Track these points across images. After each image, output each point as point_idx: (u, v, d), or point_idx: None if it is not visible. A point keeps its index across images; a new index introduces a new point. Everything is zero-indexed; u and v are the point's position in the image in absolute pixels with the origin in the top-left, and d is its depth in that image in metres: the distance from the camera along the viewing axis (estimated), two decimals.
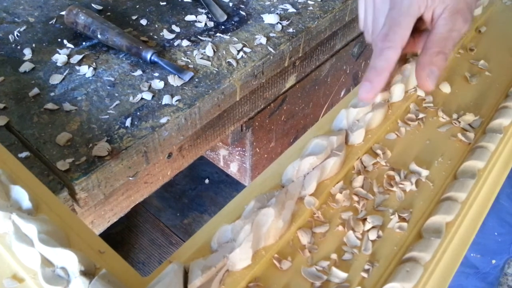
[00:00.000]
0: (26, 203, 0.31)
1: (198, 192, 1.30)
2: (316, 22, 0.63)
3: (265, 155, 0.80)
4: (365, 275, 0.30)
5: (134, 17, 0.62)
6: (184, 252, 0.30)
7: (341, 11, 0.67)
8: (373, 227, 0.33)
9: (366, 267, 0.31)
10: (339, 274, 0.30)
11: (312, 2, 0.66)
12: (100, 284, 0.25)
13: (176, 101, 0.50)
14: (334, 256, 0.31)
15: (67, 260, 0.27)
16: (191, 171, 1.34)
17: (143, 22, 0.61)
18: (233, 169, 0.83)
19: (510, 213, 0.83)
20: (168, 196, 1.29)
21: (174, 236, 1.21)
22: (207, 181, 1.33)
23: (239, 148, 0.77)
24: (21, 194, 0.31)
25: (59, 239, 0.29)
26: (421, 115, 0.42)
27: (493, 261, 0.94)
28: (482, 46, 0.52)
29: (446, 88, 0.45)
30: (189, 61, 0.55)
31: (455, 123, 0.42)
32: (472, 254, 0.94)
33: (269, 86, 0.65)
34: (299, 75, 0.72)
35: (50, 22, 0.60)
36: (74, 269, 0.27)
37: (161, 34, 0.59)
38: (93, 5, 0.63)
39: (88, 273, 0.27)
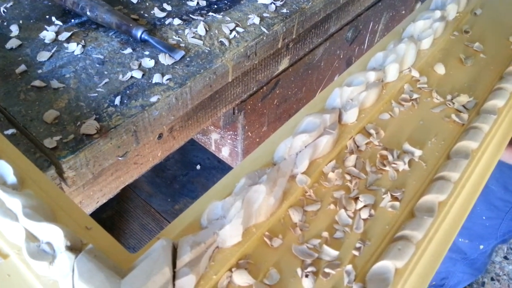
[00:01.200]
0: (10, 177, 0.30)
1: (190, 178, 1.30)
2: (310, 3, 0.62)
3: (257, 140, 0.80)
4: (356, 253, 0.30)
5: None
6: (174, 229, 0.30)
7: None
8: (365, 206, 0.33)
9: (358, 245, 0.30)
10: (330, 252, 0.30)
11: None
12: (86, 259, 0.25)
13: (167, 80, 0.49)
14: (325, 234, 0.31)
15: (52, 235, 0.27)
16: (182, 156, 1.33)
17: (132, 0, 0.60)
18: (224, 154, 0.82)
19: (499, 197, 0.84)
20: (159, 181, 1.28)
21: (165, 222, 1.21)
22: (198, 167, 1.32)
23: (231, 132, 0.76)
24: (5, 169, 0.31)
25: (45, 214, 0.28)
26: (415, 96, 0.42)
27: (481, 247, 0.94)
28: (477, 28, 0.51)
29: (440, 70, 0.45)
30: (181, 40, 0.54)
31: (449, 104, 0.41)
32: (460, 239, 0.95)
33: (262, 68, 0.64)
34: (292, 58, 0.71)
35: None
36: (59, 244, 0.26)
37: (152, 12, 0.58)
38: None
39: (74, 248, 0.26)
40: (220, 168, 1.30)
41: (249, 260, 0.29)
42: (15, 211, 0.28)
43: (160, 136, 0.53)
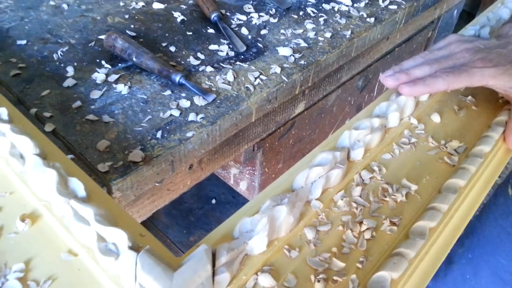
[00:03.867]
0: (81, 192, 0.38)
1: (205, 211, 1.36)
2: (325, 56, 0.70)
3: (273, 175, 0.87)
4: (360, 265, 0.36)
5: (164, 44, 0.70)
6: (211, 239, 0.36)
7: (348, 48, 0.75)
8: (367, 229, 0.39)
9: (361, 259, 0.37)
10: (338, 264, 0.36)
11: (322, 39, 0.74)
12: (147, 256, 0.32)
13: (200, 118, 0.57)
14: (334, 249, 0.37)
15: (117, 237, 0.34)
16: (199, 190, 1.40)
17: (172, 49, 0.69)
18: (242, 187, 0.89)
19: (508, 270, 0.82)
20: (176, 213, 1.35)
21: (180, 252, 1.26)
22: (214, 201, 1.38)
23: (249, 168, 0.84)
24: (77, 185, 0.38)
25: (110, 221, 0.35)
26: (413, 140, 0.49)
27: None
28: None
29: (436, 118, 0.52)
30: (212, 84, 0.62)
31: (443, 148, 0.48)
32: None
33: (280, 111, 0.72)
34: (308, 102, 0.79)
35: (89, 44, 0.68)
36: (123, 245, 0.33)
37: (187, 60, 0.67)
38: (127, 31, 0.71)
39: (133, 248, 0.33)
40: (234, 202, 1.36)
41: (272, 267, 0.36)
42: (87, 218, 0.35)
43: (190, 167, 0.61)
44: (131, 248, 0.33)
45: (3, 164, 0.42)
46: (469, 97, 0.56)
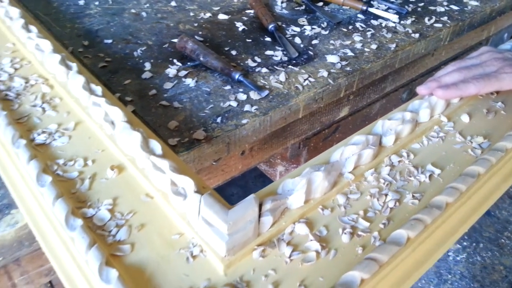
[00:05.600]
0: (158, 151, 0.47)
1: None
2: (369, 65, 0.78)
3: None
4: (382, 226, 0.43)
5: (226, 48, 0.80)
6: (259, 194, 0.44)
7: (392, 59, 0.82)
8: (392, 199, 0.46)
9: (384, 222, 0.44)
10: (364, 223, 0.43)
11: (368, 50, 0.82)
12: (209, 197, 0.40)
13: (254, 109, 0.66)
14: (361, 213, 0.44)
15: (186, 183, 0.42)
16: (246, 193, 1.48)
17: (233, 52, 0.79)
18: None
19: None
20: None
21: None
22: None
23: (295, 165, 0.91)
24: (155, 145, 0.48)
25: (180, 171, 0.44)
26: (441, 134, 0.55)
27: None
28: (502, 93, 0.64)
29: (465, 119, 0.58)
30: (266, 83, 0.71)
31: (468, 143, 0.54)
32: None
33: (326, 112, 0.80)
34: (352, 108, 0.86)
35: (163, 46, 0.80)
36: (190, 189, 0.42)
37: (246, 62, 0.76)
38: (196, 37, 0.82)
39: (198, 192, 0.42)
40: None
41: (307, 220, 0.43)
42: (163, 169, 0.44)
43: (243, 152, 0.69)
44: (196, 192, 0.42)
45: (97, 129, 0.52)
46: (499, 103, 0.61)
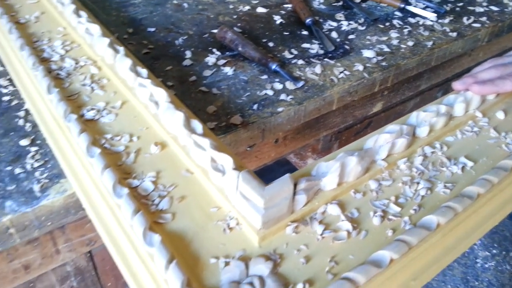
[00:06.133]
0: (199, 130, 0.50)
1: None
2: (405, 61, 0.78)
3: None
4: (412, 212, 0.44)
5: (264, 40, 0.82)
6: (294, 175, 0.46)
7: (428, 56, 0.82)
8: (423, 188, 0.47)
9: (415, 207, 0.45)
10: (395, 208, 0.45)
11: (404, 46, 0.82)
12: (246, 173, 0.42)
13: (290, 98, 0.67)
14: (392, 198, 0.46)
15: (225, 160, 0.45)
16: None
17: (270, 44, 0.81)
18: None
19: None
20: None
21: None
22: None
23: None
24: (197, 125, 0.50)
25: (220, 149, 0.46)
26: (476, 129, 0.55)
27: None
28: None
29: (501, 115, 0.58)
30: (302, 74, 0.73)
31: (502, 139, 0.54)
32: None
33: (359, 106, 0.81)
34: (385, 104, 0.87)
35: (203, 36, 0.82)
36: (229, 166, 0.44)
37: (283, 54, 0.78)
38: (235, 28, 0.85)
39: (236, 169, 0.44)
40: None
41: (339, 202, 0.45)
42: (204, 146, 0.47)
43: (276, 140, 0.71)
44: (234, 169, 0.44)
45: (142, 108, 0.55)
46: None
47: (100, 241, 0.62)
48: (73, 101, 0.57)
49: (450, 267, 1.66)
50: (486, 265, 1.67)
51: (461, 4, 1.00)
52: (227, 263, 0.39)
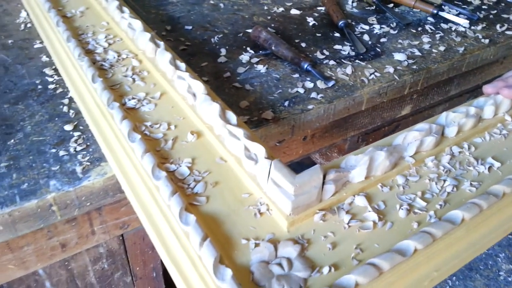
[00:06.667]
0: (234, 121, 0.52)
1: None
2: (436, 65, 0.79)
3: None
4: (438, 207, 0.46)
5: (296, 40, 0.84)
6: (324, 166, 0.48)
7: (459, 62, 0.83)
8: (450, 185, 0.48)
9: (440, 203, 0.46)
10: (421, 203, 0.46)
11: (436, 51, 0.83)
12: (278, 162, 0.44)
13: (320, 97, 0.69)
14: (419, 193, 0.47)
15: (257, 149, 0.47)
16: None
17: (303, 44, 0.83)
18: None
19: None
20: None
21: None
22: None
23: None
24: (231, 116, 0.53)
25: (253, 139, 0.49)
26: (504, 132, 0.56)
27: None
28: None
29: None
30: (333, 74, 0.75)
31: None
32: None
33: (388, 108, 0.82)
34: (414, 107, 0.88)
35: (238, 35, 0.85)
36: (261, 155, 0.46)
37: (314, 54, 0.80)
38: (269, 28, 0.87)
39: (268, 158, 0.46)
40: None
41: (366, 194, 0.46)
42: (238, 136, 0.49)
43: (305, 138, 0.73)
44: (266, 157, 0.46)
45: (180, 99, 0.58)
46: None
47: (133, 225, 0.66)
48: (115, 90, 0.60)
49: (472, 278, 1.64)
50: (510, 279, 1.64)
51: (494, 11, 1.00)
52: (257, 244, 0.41)
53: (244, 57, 0.78)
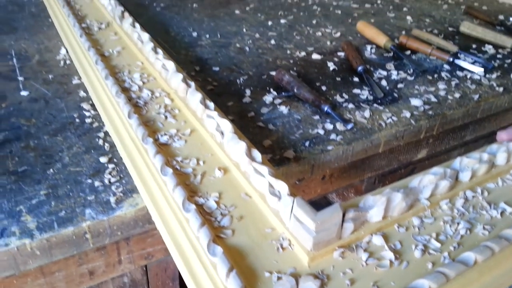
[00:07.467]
0: (259, 159, 0.56)
1: None
2: (451, 111, 0.82)
3: None
4: (452, 248, 0.48)
5: (317, 83, 0.89)
6: (343, 204, 0.51)
7: (474, 109, 0.86)
8: (463, 228, 0.50)
9: (454, 245, 0.48)
10: (435, 244, 0.48)
11: (451, 98, 0.86)
12: (300, 199, 0.48)
13: (339, 138, 0.73)
14: (434, 235, 0.49)
15: (281, 187, 0.50)
16: None
17: (323, 88, 0.87)
18: None
19: None
20: None
21: None
22: None
23: None
24: (256, 154, 0.56)
25: (277, 177, 0.52)
26: None
27: None
28: None
29: None
30: (352, 117, 0.79)
31: None
32: None
33: (404, 151, 0.85)
34: (430, 151, 0.90)
35: (262, 77, 0.90)
36: (285, 192, 0.50)
37: (334, 97, 0.84)
38: (291, 71, 0.92)
39: (291, 195, 0.50)
40: None
41: (383, 233, 0.49)
42: (263, 173, 0.53)
43: (323, 177, 0.76)
44: (289, 194, 0.49)
45: (208, 137, 0.62)
46: None
47: (157, 256, 0.69)
48: (149, 126, 0.65)
49: None
50: None
51: (509, 60, 1.04)
52: (279, 278, 0.44)
53: (268, 98, 0.82)
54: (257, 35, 1.11)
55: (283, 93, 0.85)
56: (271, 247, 0.47)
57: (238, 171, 0.56)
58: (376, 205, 0.50)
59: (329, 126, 0.75)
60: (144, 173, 0.57)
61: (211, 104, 0.66)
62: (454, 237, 0.49)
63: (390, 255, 0.46)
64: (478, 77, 0.95)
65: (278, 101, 0.82)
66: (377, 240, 0.48)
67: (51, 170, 0.63)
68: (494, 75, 0.96)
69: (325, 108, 0.78)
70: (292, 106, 0.81)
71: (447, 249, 0.48)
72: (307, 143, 0.71)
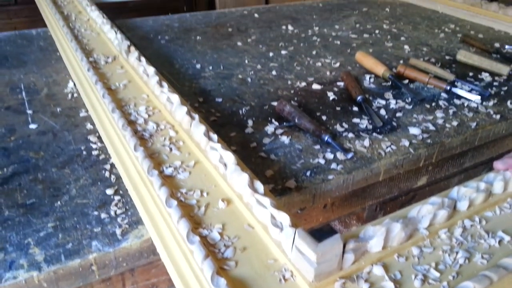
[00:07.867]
0: (261, 190, 0.57)
1: None
2: (449, 139, 0.84)
3: None
4: (451, 278, 0.49)
5: (317, 113, 0.91)
6: (343, 235, 0.52)
7: (472, 136, 0.88)
8: (462, 257, 0.51)
9: (453, 274, 0.49)
10: (435, 273, 0.49)
11: (449, 126, 0.88)
12: (301, 231, 0.49)
13: (340, 168, 0.74)
14: (433, 264, 0.50)
15: (283, 218, 0.52)
16: None
17: (323, 117, 0.90)
18: None
19: None
20: None
21: None
22: None
23: None
24: (259, 186, 0.58)
25: (278, 209, 0.53)
26: None
27: None
28: None
29: None
30: (352, 146, 0.80)
31: None
32: None
33: (404, 179, 0.87)
34: (430, 178, 0.92)
35: (264, 107, 0.92)
36: (286, 223, 0.51)
37: (334, 127, 0.86)
38: (292, 101, 0.95)
39: (293, 226, 0.51)
40: None
41: (383, 263, 0.50)
42: (265, 204, 0.54)
43: (325, 206, 0.78)
44: (291, 226, 0.51)
45: (212, 168, 0.64)
46: None
47: (161, 287, 0.69)
48: (154, 158, 0.66)
49: None
50: None
51: (505, 88, 1.06)
52: None
53: (269, 129, 0.84)
54: (258, 66, 1.14)
55: (284, 123, 0.87)
56: (274, 278, 0.48)
57: (241, 202, 0.57)
58: (376, 235, 0.51)
59: (330, 156, 0.77)
60: (149, 205, 0.59)
61: (215, 136, 0.68)
62: (453, 267, 0.50)
63: (390, 285, 0.47)
64: (475, 105, 0.97)
65: (279, 131, 0.84)
66: (378, 271, 0.49)
67: (59, 202, 0.65)
68: (491, 103, 0.98)
69: (326, 138, 0.80)
70: (294, 136, 0.83)
71: (446, 278, 0.49)
72: (308, 173, 0.73)
